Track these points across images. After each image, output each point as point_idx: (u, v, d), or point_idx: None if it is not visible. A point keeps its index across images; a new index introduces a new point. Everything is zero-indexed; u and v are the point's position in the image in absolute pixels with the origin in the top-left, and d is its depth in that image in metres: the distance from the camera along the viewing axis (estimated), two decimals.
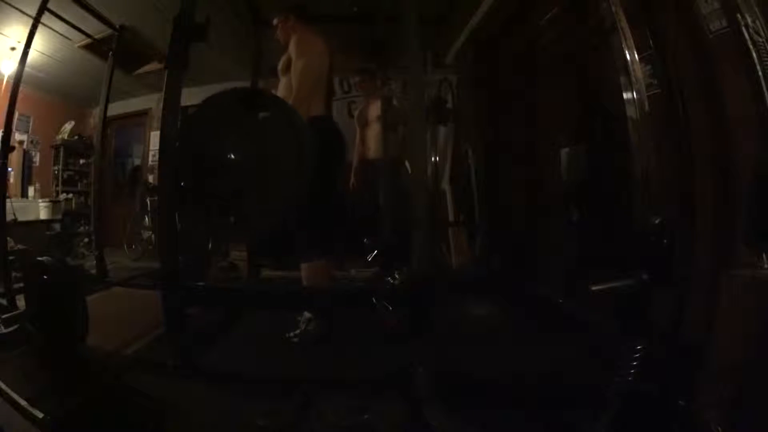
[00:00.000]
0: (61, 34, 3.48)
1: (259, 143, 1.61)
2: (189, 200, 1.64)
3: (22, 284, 2.03)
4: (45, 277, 1.74)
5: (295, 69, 1.99)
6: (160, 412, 1.32)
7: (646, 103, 1.30)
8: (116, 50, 3.24)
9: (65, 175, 5.17)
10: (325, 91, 2.15)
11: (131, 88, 4.81)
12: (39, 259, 1.83)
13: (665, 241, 1.07)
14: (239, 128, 1.63)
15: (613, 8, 1.36)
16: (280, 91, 2.13)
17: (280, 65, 2.16)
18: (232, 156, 1.56)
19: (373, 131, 3.43)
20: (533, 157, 2.99)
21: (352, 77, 3.96)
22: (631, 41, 1.34)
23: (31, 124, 4.84)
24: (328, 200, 2.07)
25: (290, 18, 2.17)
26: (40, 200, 4.64)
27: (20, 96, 2.38)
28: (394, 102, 3.37)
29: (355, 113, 3.64)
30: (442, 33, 3.57)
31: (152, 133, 5.20)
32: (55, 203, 4.70)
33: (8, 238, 2.49)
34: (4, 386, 1.34)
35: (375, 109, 3.43)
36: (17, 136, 4.39)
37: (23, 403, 1.25)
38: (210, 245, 3.76)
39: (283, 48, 2.17)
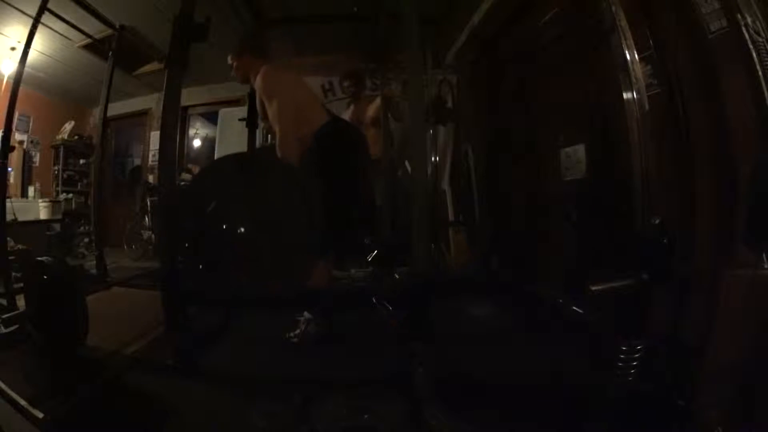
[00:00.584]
0: (61, 34, 3.47)
1: (261, 208, 1.61)
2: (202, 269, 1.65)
3: (22, 284, 2.03)
4: (45, 277, 1.74)
5: (271, 114, 1.94)
6: (160, 412, 1.32)
7: (646, 103, 1.30)
8: (116, 50, 3.24)
9: (65, 175, 5.17)
10: (314, 103, 2.12)
11: (131, 88, 4.81)
12: (39, 259, 1.83)
13: (665, 241, 1.07)
14: (238, 198, 1.63)
15: (613, 8, 1.36)
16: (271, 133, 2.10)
17: (258, 109, 2.10)
18: (241, 229, 1.56)
19: (368, 132, 3.43)
20: (533, 157, 2.99)
21: (341, 81, 3.95)
22: (631, 41, 1.34)
23: (31, 124, 4.84)
24: (356, 201, 2.06)
25: (245, 56, 2.06)
26: (40, 200, 4.64)
27: (20, 96, 2.38)
28: (393, 103, 3.37)
29: (345, 115, 3.61)
30: (442, 33, 3.57)
31: (152, 133, 5.20)
32: (55, 203, 4.70)
33: (8, 238, 2.49)
34: (4, 386, 1.34)
35: (368, 111, 3.43)
36: (17, 136, 4.38)
37: (23, 403, 1.25)
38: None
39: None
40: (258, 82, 1.98)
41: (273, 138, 2.08)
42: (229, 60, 2.11)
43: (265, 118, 2.04)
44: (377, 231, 3.09)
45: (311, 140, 1.97)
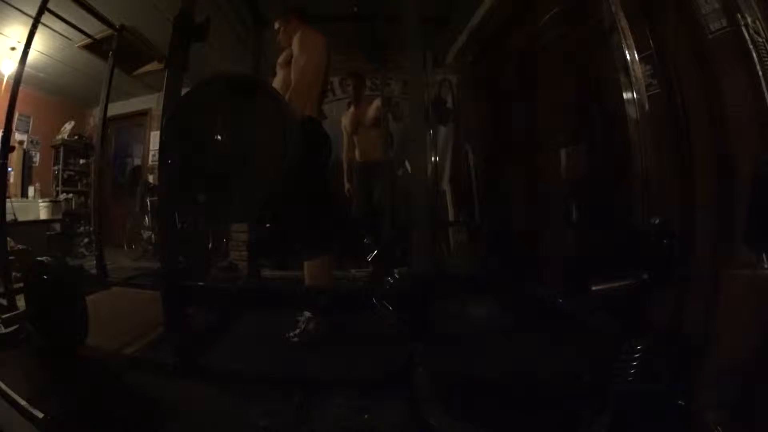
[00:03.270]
0: (61, 34, 3.47)
1: (246, 128, 1.58)
2: (173, 176, 1.61)
3: (22, 284, 2.03)
4: (45, 277, 1.74)
5: (296, 64, 2.00)
6: (160, 412, 1.32)
7: (646, 103, 1.30)
8: (116, 50, 3.24)
9: (65, 175, 5.16)
10: (318, 92, 2.15)
11: (131, 88, 4.81)
12: (39, 259, 1.83)
13: (665, 241, 1.06)
14: (227, 110, 1.58)
15: (613, 8, 1.36)
16: (276, 84, 2.13)
17: (281, 59, 2.17)
18: (218, 137, 1.52)
19: (368, 133, 3.43)
20: (533, 157, 2.99)
21: (346, 80, 3.95)
22: (631, 41, 1.34)
23: (31, 124, 4.83)
24: (322, 200, 2.07)
25: (293, 20, 2.17)
26: (40, 200, 4.64)
27: (20, 96, 2.38)
28: (392, 103, 3.37)
29: (345, 116, 3.61)
30: (442, 33, 3.57)
31: (152, 133, 5.19)
32: (55, 203, 4.70)
33: (8, 238, 2.49)
34: (4, 386, 1.33)
35: (369, 111, 3.43)
36: (17, 136, 4.38)
37: (23, 403, 1.25)
38: (209, 245, 3.76)
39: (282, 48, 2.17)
40: (298, 36, 2.04)
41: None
42: (276, 25, 2.20)
43: (286, 67, 2.09)
44: (377, 231, 3.10)
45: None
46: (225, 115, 1.52)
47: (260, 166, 1.53)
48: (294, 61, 2.02)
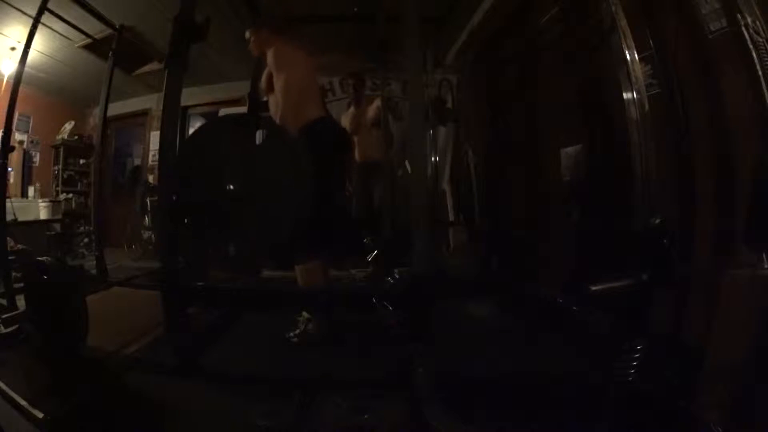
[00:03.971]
0: (61, 34, 3.48)
1: (256, 167, 1.61)
2: (189, 224, 1.64)
3: (22, 284, 2.03)
4: (45, 277, 1.74)
5: (278, 85, 1.98)
6: (160, 412, 1.32)
7: (646, 103, 1.31)
8: (116, 50, 3.24)
9: (65, 175, 5.16)
10: (316, 95, 2.13)
11: (131, 88, 4.81)
12: (39, 259, 1.83)
13: (665, 241, 1.06)
14: (234, 155, 1.63)
15: (613, 8, 1.37)
16: (271, 109, 2.11)
17: (263, 82, 2.14)
18: (231, 185, 1.56)
19: (369, 133, 3.43)
20: (533, 157, 2.99)
21: (346, 80, 3.95)
22: (631, 41, 1.34)
23: (31, 124, 4.83)
24: (330, 202, 2.06)
25: (263, 31, 2.11)
26: (40, 200, 4.64)
27: (20, 96, 2.38)
28: (392, 103, 3.37)
29: (345, 116, 3.61)
30: (442, 33, 3.58)
31: (152, 133, 5.19)
32: (55, 203, 4.70)
33: (8, 238, 2.49)
34: (4, 386, 1.33)
35: (369, 111, 3.43)
36: (17, 136, 4.38)
37: (23, 403, 1.25)
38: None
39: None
40: (271, 54, 2.02)
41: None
42: (247, 34, 2.15)
43: (269, 90, 2.07)
44: (377, 231, 3.10)
45: (300, 132, 1.97)
46: (232, 158, 1.55)
47: (277, 198, 1.56)
48: (275, 82, 2.00)
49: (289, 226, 1.62)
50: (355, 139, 3.54)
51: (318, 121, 2.01)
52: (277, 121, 1.99)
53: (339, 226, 2.17)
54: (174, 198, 1.62)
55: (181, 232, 1.65)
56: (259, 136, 1.69)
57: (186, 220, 1.63)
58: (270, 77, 2.06)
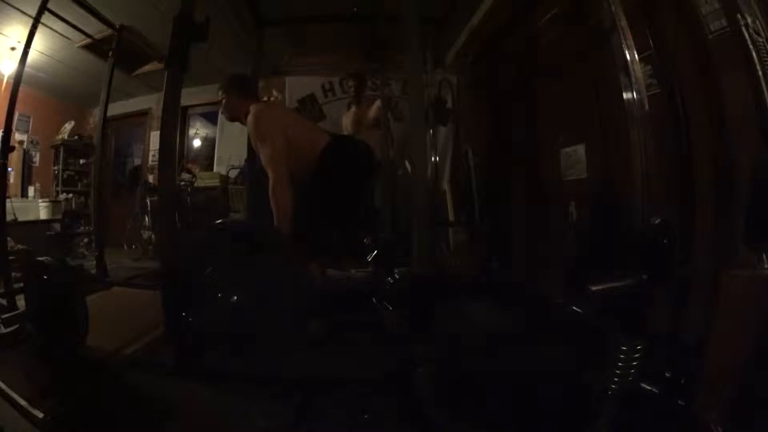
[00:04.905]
0: (61, 34, 3.47)
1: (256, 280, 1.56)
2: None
3: (22, 284, 2.03)
4: (45, 277, 1.74)
5: (264, 158, 1.93)
6: (160, 412, 1.32)
7: (646, 103, 1.30)
8: (116, 50, 3.24)
9: (65, 175, 5.16)
10: (310, 134, 2.08)
11: (131, 88, 4.81)
12: (39, 259, 1.83)
13: (665, 241, 1.06)
14: (234, 268, 1.57)
15: (613, 8, 1.37)
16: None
17: (254, 146, 2.06)
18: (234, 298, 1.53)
19: (369, 133, 3.43)
20: (533, 157, 2.99)
21: (346, 80, 3.95)
22: (631, 41, 1.34)
23: (31, 124, 4.83)
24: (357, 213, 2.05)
25: (232, 93, 2.06)
26: (40, 200, 4.64)
27: (20, 96, 2.38)
28: (393, 104, 3.37)
29: (346, 116, 3.61)
30: (442, 33, 3.57)
31: (152, 133, 5.19)
32: (55, 203, 4.70)
33: (8, 238, 2.49)
34: (4, 386, 1.33)
35: (370, 112, 3.43)
36: (17, 136, 4.38)
37: (23, 403, 1.25)
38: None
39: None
40: (249, 125, 1.97)
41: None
42: (219, 95, 2.11)
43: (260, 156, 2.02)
44: (378, 231, 3.09)
45: (314, 165, 1.96)
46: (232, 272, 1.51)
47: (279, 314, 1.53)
48: (260, 152, 1.95)
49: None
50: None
51: (326, 147, 1.99)
52: (271, 189, 1.90)
53: (353, 233, 2.15)
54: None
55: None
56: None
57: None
58: (256, 145, 1.99)
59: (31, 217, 4.31)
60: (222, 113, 2.14)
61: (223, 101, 2.09)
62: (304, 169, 1.96)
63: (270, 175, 1.90)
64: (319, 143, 2.00)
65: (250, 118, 1.96)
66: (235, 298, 1.50)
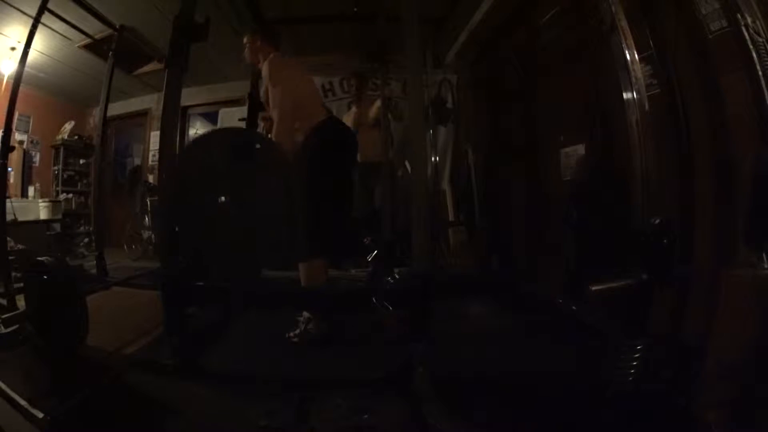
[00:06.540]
0: (61, 34, 3.48)
1: (247, 187, 1.60)
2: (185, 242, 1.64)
3: (22, 284, 2.03)
4: (45, 277, 1.74)
5: (272, 99, 1.99)
6: (160, 412, 1.32)
7: (646, 103, 1.30)
8: (116, 50, 3.24)
9: (65, 175, 5.16)
10: (315, 101, 2.15)
11: (131, 88, 4.81)
12: (39, 259, 1.83)
13: (665, 241, 1.07)
14: (227, 174, 1.62)
15: (613, 8, 1.36)
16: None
17: (262, 96, 2.14)
18: (223, 200, 1.55)
19: (370, 133, 3.43)
20: (533, 157, 2.99)
21: (347, 80, 3.95)
22: (631, 41, 1.34)
23: (31, 124, 4.83)
24: (337, 199, 2.08)
25: (257, 39, 2.14)
26: (40, 200, 4.63)
27: (20, 96, 2.38)
28: (393, 103, 3.37)
29: (347, 116, 3.61)
30: (442, 33, 3.58)
31: (152, 133, 5.20)
32: (55, 203, 4.70)
33: (8, 238, 2.49)
34: (4, 386, 1.33)
35: (370, 112, 3.43)
36: (17, 136, 4.38)
37: (23, 403, 1.25)
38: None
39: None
40: (265, 68, 2.03)
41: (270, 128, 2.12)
42: (244, 40, 2.17)
43: (268, 105, 2.08)
44: (377, 231, 3.09)
45: (307, 135, 2.00)
46: (224, 178, 1.56)
47: (267, 220, 1.54)
48: (269, 96, 2.01)
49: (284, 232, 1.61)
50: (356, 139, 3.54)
51: (321, 123, 2.03)
52: (274, 132, 1.98)
53: (341, 223, 2.18)
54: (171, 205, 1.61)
55: (181, 236, 1.65)
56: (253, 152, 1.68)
57: (183, 225, 1.63)
58: (266, 90, 2.05)
59: (31, 217, 4.30)
60: (243, 55, 2.20)
61: (247, 44, 2.16)
62: (296, 131, 2.00)
63: (274, 118, 1.97)
64: (315, 116, 2.05)
65: (269, 61, 2.02)
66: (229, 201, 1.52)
